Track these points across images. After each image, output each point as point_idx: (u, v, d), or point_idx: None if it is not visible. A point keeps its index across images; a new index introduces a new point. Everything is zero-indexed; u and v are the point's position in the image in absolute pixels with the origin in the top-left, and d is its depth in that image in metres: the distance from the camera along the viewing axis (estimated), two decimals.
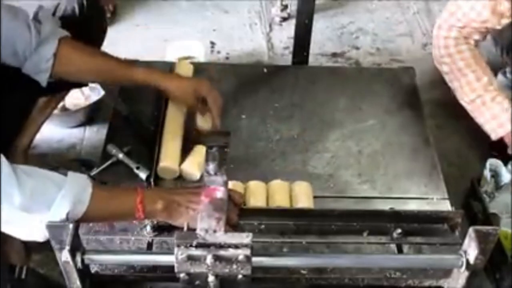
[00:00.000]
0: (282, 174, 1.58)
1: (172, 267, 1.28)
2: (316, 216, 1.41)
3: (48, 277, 1.59)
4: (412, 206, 1.52)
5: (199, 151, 1.58)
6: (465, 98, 1.73)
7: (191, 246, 1.08)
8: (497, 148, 1.82)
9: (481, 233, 1.09)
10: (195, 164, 1.56)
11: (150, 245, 1.37)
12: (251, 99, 1.80)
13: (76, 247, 1.10)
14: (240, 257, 1.08)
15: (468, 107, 1.74)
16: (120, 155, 1.60)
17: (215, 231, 1.12)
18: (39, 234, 1.14)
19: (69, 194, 1.15)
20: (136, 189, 1.27)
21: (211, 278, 1.10)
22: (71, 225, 1.08)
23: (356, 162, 1.64)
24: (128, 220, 1.34)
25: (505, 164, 1.79)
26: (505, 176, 1.79)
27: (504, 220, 1.74)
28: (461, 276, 1.16)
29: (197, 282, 1.13)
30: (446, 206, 1.54)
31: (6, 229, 1.15)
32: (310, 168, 1.61)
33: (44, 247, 1.17)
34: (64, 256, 1.08)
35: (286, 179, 1.57)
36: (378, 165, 1.63)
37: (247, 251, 1.08)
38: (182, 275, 1.11)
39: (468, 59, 1.71)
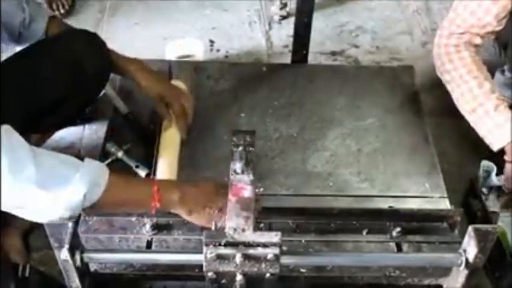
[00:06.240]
0: (281, 172, 1.58)
1: (172, 265, 1.29)
2: (315, 215, 1.41)
3: (50, 276, 1.59)
4: (412, 204, 1.52)
5: (166, 155, 1.54)
6: (466, 107, 1.68)
7: (220, 245, 1.08)
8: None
9: (480, 231, 1.09)
10: (169, 173, 1.50)
11: (149, 244, 1.37)
12: (250, 97, 1.80)
13: (75, 246, 1.10)
14: (269, 256, 1.09)
15: (471, 118, 1.69)
16: (119, 154, 1.60)
17: (243, 230, 1.12)
18: (53, 213, 1.11)
19: (86, 175, 1.14)
20: (153, 179, 1.28)
21: (239, 277, 1.11)
22: (70, 224, 1.08)
23: (355, 160, 1.64)
24: (143, 209, 1.31)
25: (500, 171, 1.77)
26: (494, 180, 1.78)
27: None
28: (460, 274, 1.16)
29: (223, 281, 1.13)
30: (445, 204, 1.54)
31: (18, 212, 1.11)
32: (309, 166, 1.61)
33: (44, 245, 1.17)
34: (63, 254, 1.08)
35: (285, 177, 1.57)
36: (377, 163, 1.63)
37: (276, 250, 1.09)
38: (210, 274, 1.11)
39: (470, 65, 1.68)
